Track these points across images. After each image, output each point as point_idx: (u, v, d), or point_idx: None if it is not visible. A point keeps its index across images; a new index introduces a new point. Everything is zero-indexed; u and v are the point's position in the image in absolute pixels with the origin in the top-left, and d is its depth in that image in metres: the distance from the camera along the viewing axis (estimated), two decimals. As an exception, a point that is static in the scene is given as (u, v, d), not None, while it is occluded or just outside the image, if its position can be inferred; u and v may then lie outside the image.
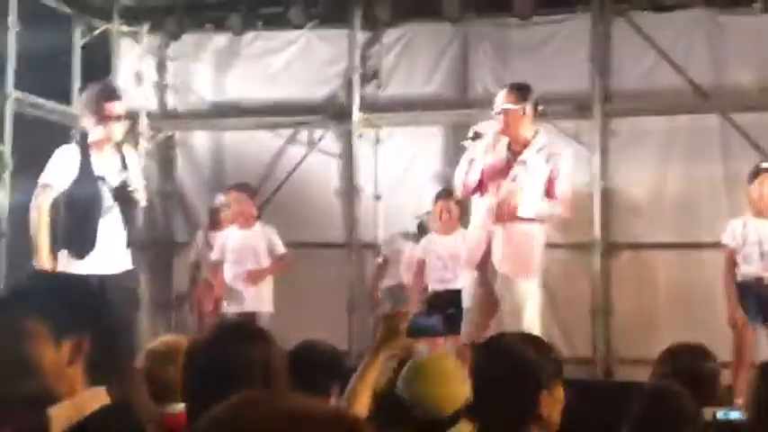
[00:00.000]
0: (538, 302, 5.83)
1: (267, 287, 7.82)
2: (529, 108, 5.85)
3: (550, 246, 8.59)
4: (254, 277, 7.75)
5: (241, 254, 7.78)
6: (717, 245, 6.95)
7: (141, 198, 5.97)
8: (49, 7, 8.90)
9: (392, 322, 3.15)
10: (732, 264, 6.82)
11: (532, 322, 5.68)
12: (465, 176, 5.83)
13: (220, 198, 8.42)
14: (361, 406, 3.05)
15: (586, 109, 8.45)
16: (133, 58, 9.76)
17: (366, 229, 9.00)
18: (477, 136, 5.77)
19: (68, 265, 5.78)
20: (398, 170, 9.04)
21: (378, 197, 9.04)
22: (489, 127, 5.83)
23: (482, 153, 5.79)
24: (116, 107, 5.88)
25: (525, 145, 5.84)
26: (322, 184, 9.26)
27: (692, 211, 8.25)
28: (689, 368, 3.29)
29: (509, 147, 5.87)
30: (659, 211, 8.39)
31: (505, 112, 5.80)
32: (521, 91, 5.95)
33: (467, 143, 5.82)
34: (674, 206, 8.34)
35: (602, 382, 8.10)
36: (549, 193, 5.79)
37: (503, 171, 5.79)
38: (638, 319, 8.17)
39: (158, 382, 3.45)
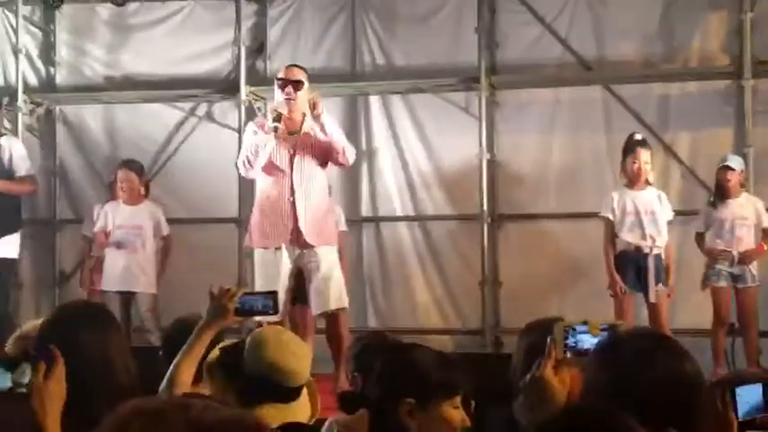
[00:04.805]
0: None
1: (150, 267, 7.69)
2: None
3: (439, 218, 8.73)
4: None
5: (126, 231, 7.62)
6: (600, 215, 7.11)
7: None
8: None
9: (220, 301, 3.15)
10: (611, 235, 7.01)
11: (342, 287, 6.02)
12: (254, 158, 5.84)
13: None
14: (183, 383, 3.05)
15: (473, 81, 8.48)
16: (8, 30, 9.40)
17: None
18: (279, 117, 5.77)
19: None
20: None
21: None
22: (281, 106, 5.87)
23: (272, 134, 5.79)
24: None
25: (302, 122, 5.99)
26: (215, 158, 9.07)
27: (576, 182, 8.39)
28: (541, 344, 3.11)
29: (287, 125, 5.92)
30: (545, 181, 8.51)
31: (300, 86, 5.88)
32: (304, 69, 6.18)
33: (269, 124, 5.79)
34: (559, 177, 8.47)
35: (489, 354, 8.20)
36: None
37: (289, 150, 5.89)
38: (526, 290, 8.26)
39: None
